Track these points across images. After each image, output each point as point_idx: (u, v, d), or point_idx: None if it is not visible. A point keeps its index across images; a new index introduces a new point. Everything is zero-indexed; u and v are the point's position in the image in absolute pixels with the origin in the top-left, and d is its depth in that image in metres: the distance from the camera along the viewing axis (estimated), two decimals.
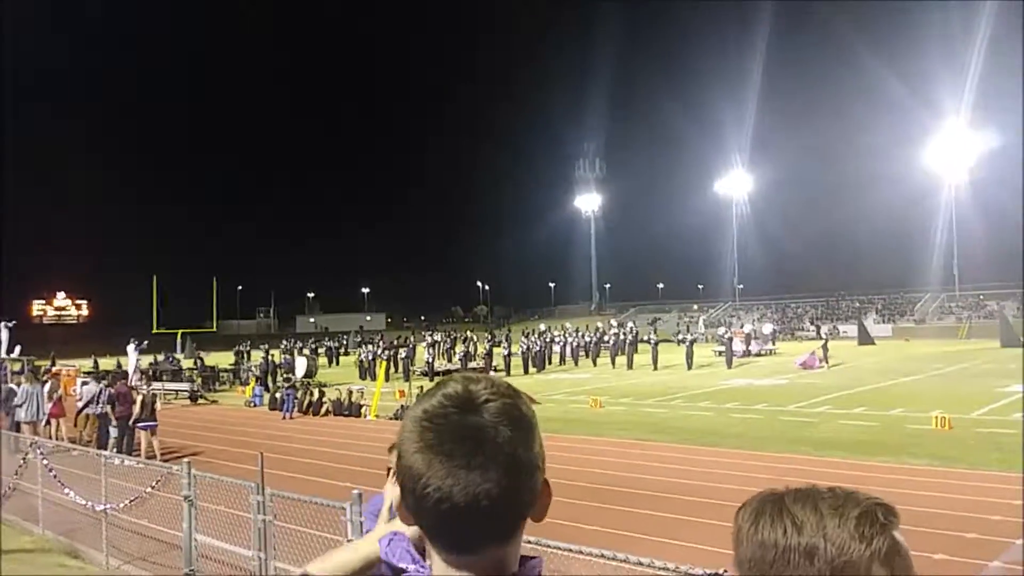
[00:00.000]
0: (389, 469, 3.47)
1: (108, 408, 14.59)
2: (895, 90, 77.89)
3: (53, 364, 34.76)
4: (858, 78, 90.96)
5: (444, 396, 0.95)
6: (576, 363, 37.11)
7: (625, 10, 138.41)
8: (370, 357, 35.72)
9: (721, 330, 38.76)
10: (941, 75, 70.24)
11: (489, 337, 40.28)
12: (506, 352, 33.78)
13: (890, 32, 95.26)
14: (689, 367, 31.49)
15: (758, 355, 40.42)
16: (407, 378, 30.30)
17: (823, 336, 33.44)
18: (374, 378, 32.87)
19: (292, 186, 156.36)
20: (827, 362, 30.85)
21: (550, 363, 36.19)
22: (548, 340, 37.24)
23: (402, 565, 1.04)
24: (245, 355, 42.30)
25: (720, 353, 34.15)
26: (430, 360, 32.68)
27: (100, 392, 15.58)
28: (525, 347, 34.26)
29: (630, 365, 33.07)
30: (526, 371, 32.70)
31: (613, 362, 35.01)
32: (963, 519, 8.67)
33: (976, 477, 10.78)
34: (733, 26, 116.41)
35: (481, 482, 0.90)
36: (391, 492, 1.05)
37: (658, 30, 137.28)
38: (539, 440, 1.01)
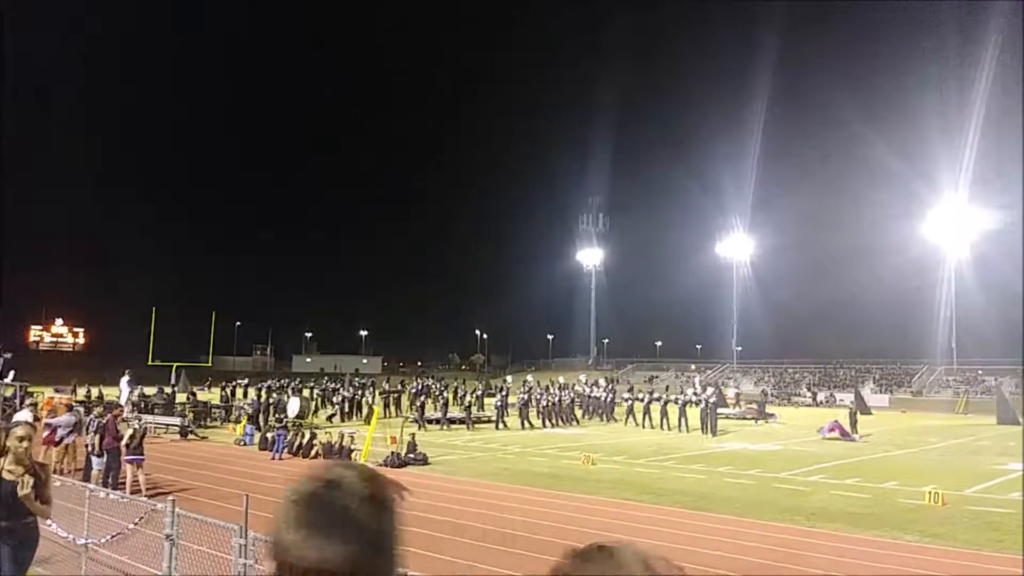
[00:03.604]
0: None
1: (96, 439, 14.51)
2: (892, 163, 78.88)
3: (74, 391, 34.60)
4: (856, 149, 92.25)
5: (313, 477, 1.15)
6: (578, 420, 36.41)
7: (630, 71, 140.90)
8: (339, 399, 36.00)
9: (709, 390, 38.00)
10: (938, 150, 71.39)
11: (500, 387, 39.94)
12: (517, 402, 33.27)
13: (886, 107, 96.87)
14: (712, 432, 29.68)
15: (753, 419, 40.15)
16: (421, 424, 29.98)
17: (850, 404, 32.39)
18: (344, 420, 32.85)
19: (295, 226, 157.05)
20: (856, 433, 29.23)
21: (563, 420, 34.47)
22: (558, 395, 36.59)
23: None
24: (244, 391, 42.09)
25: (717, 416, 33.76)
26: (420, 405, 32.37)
27: (89, 422, 15.51)
28: (537, 400, 33.83)
29: (653, 424, 32.58)
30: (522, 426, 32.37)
31: (624, 419, 34.41)
32: None
33: (968, 556, 10.65)
34: (734, 93, 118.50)
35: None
36: None
37: (662, 92, 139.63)
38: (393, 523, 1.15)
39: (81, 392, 34.22)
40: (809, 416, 44.11)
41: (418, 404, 32.70)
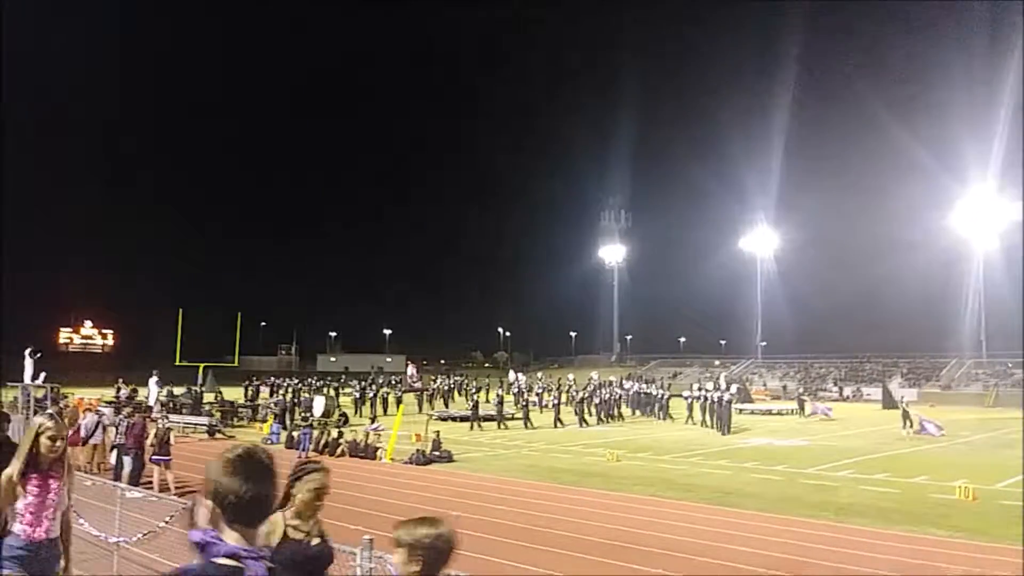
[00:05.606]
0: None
1: (125, 439, 14.72)
2: (918, 155, 77.17)
3: (118, 391, 34.28)
4: (881, 141, 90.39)
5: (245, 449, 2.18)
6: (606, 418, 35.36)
7: (652, 66, 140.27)
8: (356, 395, 37.70)
9: (734, 387, 36.94)
10: (965, 141, 69.78)
11: (557, 385, 39.96)
12: (555, 401, 33.23)
13: (912, 97, 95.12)
14: (727, 429, 28.86)
15: (779, 413, 39.83)
16: (475, 423, 29.84)
17: (900, 400, 31.03)
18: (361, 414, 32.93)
19: (319, 226, 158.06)
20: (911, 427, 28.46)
21: (611, 417, 34.52)
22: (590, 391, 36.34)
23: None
24: (271, 389, 42.30)
25: (741, 411, 33.40)
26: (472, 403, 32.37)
27: (119, 423, 15.75)
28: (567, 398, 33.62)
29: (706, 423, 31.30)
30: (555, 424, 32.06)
31: (685, 417, 33.91)
32: None
33: (1001, 551, 10.49)
34: (758, 86, 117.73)
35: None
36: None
37: (685, 87, 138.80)
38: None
39: (125, 391, 33.87)
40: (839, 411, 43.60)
41: (471, 402, 32.51)
